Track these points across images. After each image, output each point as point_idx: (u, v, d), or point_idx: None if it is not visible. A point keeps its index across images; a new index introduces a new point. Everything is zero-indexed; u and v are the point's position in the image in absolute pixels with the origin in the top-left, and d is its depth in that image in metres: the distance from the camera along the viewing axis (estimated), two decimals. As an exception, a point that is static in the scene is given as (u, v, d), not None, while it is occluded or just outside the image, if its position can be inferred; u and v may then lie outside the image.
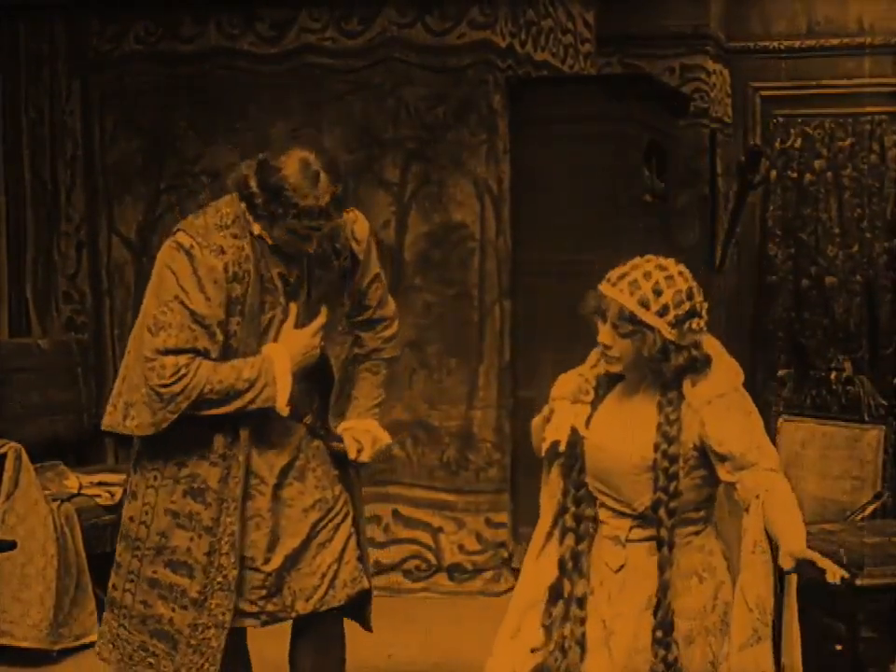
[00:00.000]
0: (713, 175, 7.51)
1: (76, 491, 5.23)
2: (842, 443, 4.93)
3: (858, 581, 3.00)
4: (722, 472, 2.96)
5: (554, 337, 5.51)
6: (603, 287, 2.97)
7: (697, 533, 3.05)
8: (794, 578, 2.90)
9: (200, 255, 3.26)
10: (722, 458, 2.94)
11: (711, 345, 3.03)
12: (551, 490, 3.18)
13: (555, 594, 3.09)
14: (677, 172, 6.92)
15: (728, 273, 7.80)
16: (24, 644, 4.90)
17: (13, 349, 5.81)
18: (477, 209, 5.84)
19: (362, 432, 3.58)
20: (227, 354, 3.34)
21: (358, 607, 3.62)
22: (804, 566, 2.83)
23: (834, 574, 2.79)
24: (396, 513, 5.91)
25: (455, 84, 5.82)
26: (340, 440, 3.56)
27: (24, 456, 4.97)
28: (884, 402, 6.21)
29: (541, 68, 6.25)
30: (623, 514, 3.05)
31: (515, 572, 5.93)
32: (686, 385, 2.98)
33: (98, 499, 5.26)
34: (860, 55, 7.70)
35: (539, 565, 3.16)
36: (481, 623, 5.36)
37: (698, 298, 3.00)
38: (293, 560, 3.46)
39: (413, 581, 5.90)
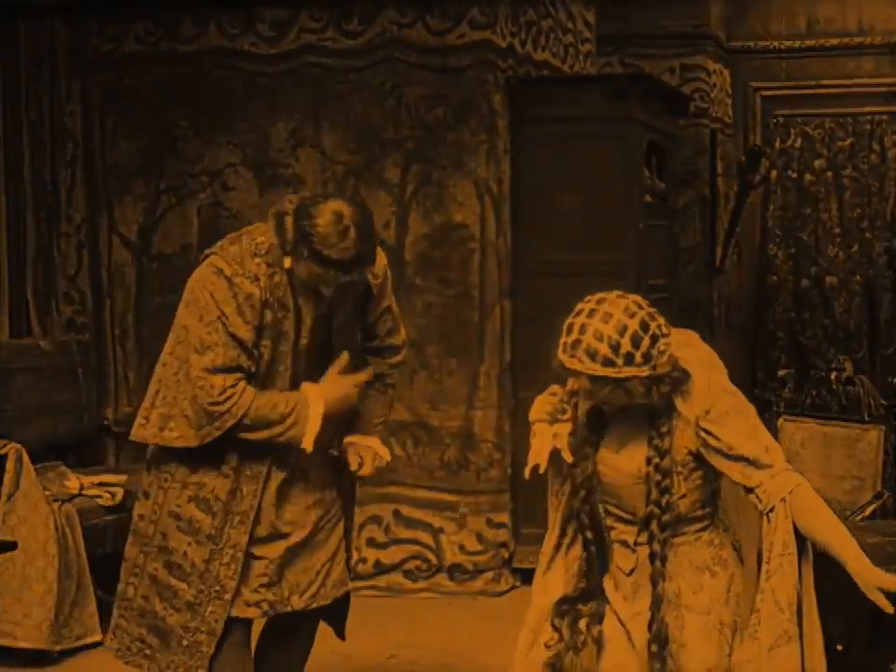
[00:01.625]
0: (713, 175, 7.52)
1: (76, 492, 5.23)
2: (842, 443, 4.94)
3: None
4: (736, 475, 2.94)
5: (554, 337, 5.50)
6: (564, 360, 2.89)
7: (705, 528, 3.06)
8: (811, 580, 2.91)
9: (239, 282, 3.37)
10: (735, 459, 2.92)
11: (683, 343, 2.97)
12: (557, 502, 3.18)
13: (566, 598, 3.08)
14: (677, 172, 6.92)
15: (728, 273, 7.81)
16: (25, 644, 4.89)
17: (14, 350, 5.81)
18: (477, 209, 5.84)
19: (364, 448, 3.67)
20: (254, 379, 3.43)
21: (337, 613, 3.73)
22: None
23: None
24: (397, 514, 5.91)
25: (456, 84, 5.82)
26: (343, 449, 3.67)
27: (25, 457, 4.97)
28: (884, 402, 6.21)
29: (542, 68, 6.24)
30: (629, 521, 3.06)
31: (516, 572, 5.94)
32: (677, 401, 2.95)
33: (99, 500, 5.26)
34: (859, 55, 7.71)
35: (549, 578, 3.16)
36: (481, 623, 5.39)
37: (652, 322, 2.90)
38: (293, 553, 3.53)
39: (413, 582, 5.90)
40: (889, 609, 2.83)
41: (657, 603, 2.96)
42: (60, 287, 6.25)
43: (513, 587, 5.90)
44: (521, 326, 5.94)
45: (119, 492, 5.30)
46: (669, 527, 2.97)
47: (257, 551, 3.49)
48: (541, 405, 3.09)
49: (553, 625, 3.06)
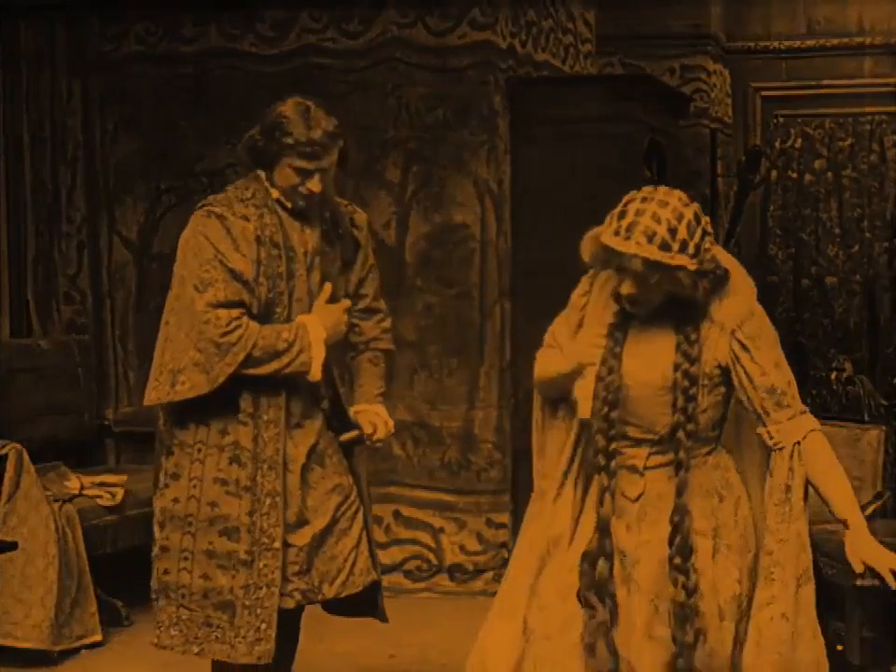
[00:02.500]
0: (713, 175, 7.51)
1: (77, 492, 5.23)
2: (842, 443, 4.93)
3: (858, 582, 2.99)
4: (755, 402, 2.94)
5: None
6: (616, 244, 2.87)
7: (710, 452, 3.05)
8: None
9: (231, 219, 3.44)
10: (759, 386, 2.94)
11: (721, 256, 3.00)
12: (559, 435, 3.16)
13: (587, 555, 3.03)
14: (677, 172, 6.91)
15: (728, 273, 7.80)
16: (26, 645, 4.89)
17: (14, 350, 5.81)
18: (477, 209, 5.85)
19: (373, 415, 3.68)
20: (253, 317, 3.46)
21: (371, 601, 3.70)
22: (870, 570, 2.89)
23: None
24: (397, 514, 5.91)
25: (456, 84, 5.82)
26: (354, 427, 3.65)
27: (25, 457, 4.97)
28: (884, 402, 6.21)
29: (542, 68, 6.24)
30: (641, 442, 3.03)
31: (516, 572, 5.93)
32: (713, 304, 2.96)
33: (99, 500, 5.26)
34: (859, 55, 7.71)
35: (558, 507, 3.12)
36: (482, 623, 5.38)
37: (702, 217, 2.93)
38: (319, 541, 3.53)
39: (414, 582, 5.90)
40: (858, 568, 2.88)
41: (681, 514, 2.94)
42: (60, 288, 6.25)
43: (513, 587, 5.89)
44: (521, 326, 5.93)
45: (120, 492, 5.30)
46: (695, 436, 2.97)
47: (287, 538, 3.48)
48: (590, 348, 3.04)
49: (582, 599, 3.00)
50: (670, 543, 2.94)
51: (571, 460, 3.14)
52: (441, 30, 5.84)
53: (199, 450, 3.49)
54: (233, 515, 3.46)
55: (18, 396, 5.61)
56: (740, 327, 2.95)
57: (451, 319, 5.88)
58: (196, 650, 3.51)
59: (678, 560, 2.93)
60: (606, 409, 2.98)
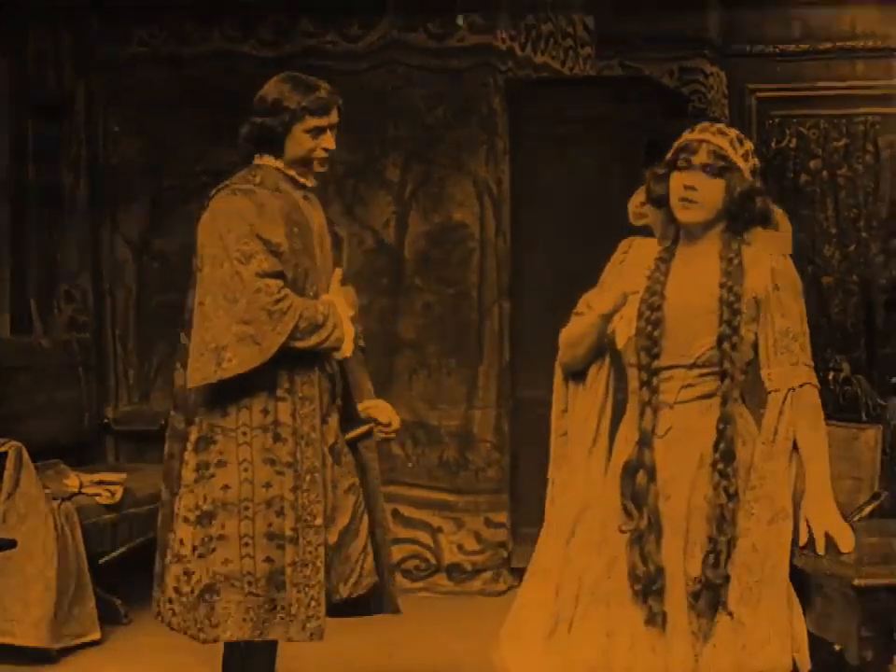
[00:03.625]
0: (711, 176, 7.52)
1: (76, 490, 5.23)
2: (839, 443, 4.93)
3: (857, 582, 3.02)
4: (769, 346, 3.09)
5: (554, 337, 5.51)
6: (690, 135, 3.11)
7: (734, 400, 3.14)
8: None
9: (259, 193, 3.45)
10: (779, 329, 3.08)
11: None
12: (586, 401, 3.24)
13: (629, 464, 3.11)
14: (675, 172, 6.93)
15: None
16: (24, 643, 4.89)
17: (15, 348, 5.82)
18: (477, 209, 5.86)
19: (385, 408, 3.73)
20: None
21: (371, 600, 3.70)
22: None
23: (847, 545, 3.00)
24: (395, 513, 5.91)
25: (456, 85, 5.84)
26: (363, 422, 3.68)
27: (25, 455, 4.97)
28: (882, 402, 6.21)
29: (541, 71, 6.26)
30: (675, 369, 3.09)
31: (514, 572, 5.94)
32: (757, 233, 3.11)
33: (98, 498, 5.26)
34: (852, 58, 7.75)
35: (594, 458, 3.21)
36: (480, 623, 5.39)
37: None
38: (342, 539, 3.54)
39: (412, 581, 5.91)
40: (801, 541, 3.03)
41: (726, 421, 3.05)
42: (61, 286, 6.26)
43: (512, 587, 5.90)
44: (520, 326, 5.95)
45: (119, 490, 5.31)
46: (737, 349, 3.07)
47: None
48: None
49: (625, 508, 3.09)
50: (715, 448, 3.04)
51: (598, 425, 3.23)
52: (440, 34, 5.85)
53: (244, 433, 3.46)
54: (282, 494, 3.44)
55: (18, 394, 5.61)
56: (777, 266, 3.11)
57: (450, 319, 5.89)
58: (263, 634, 3.46)
59: (721, 465, 3.04)
60: (649, 328, 3.09)
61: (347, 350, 3.51)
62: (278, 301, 3.37)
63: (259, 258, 3.39)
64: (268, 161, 3.56)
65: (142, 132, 6.15)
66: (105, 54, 6.17)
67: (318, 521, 3.45)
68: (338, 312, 3.49)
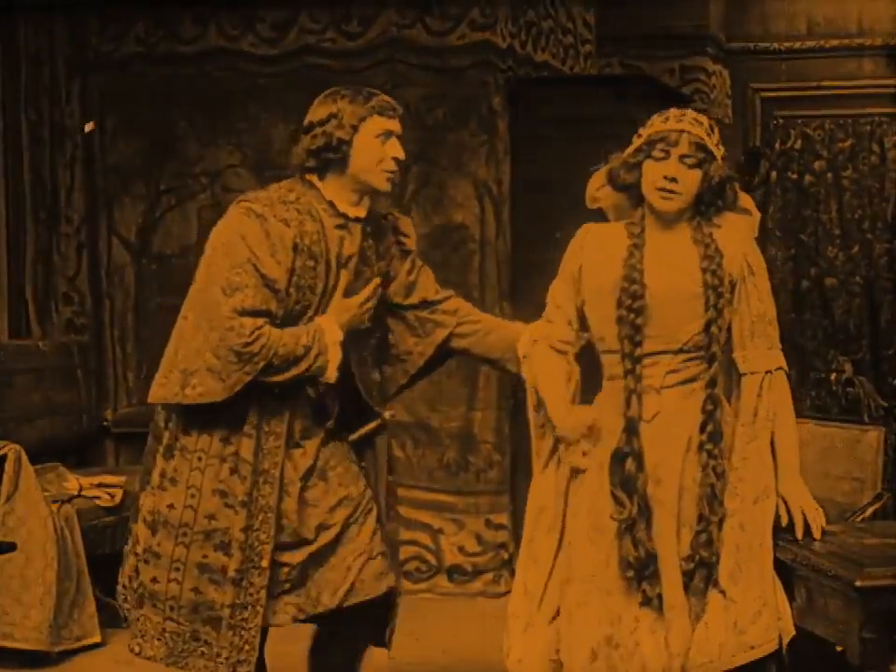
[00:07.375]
0: (713, 176, 7.50)
1: (75, 492, 5.23)
2: (842, 445, 4.92)
3: (858, 582, 3.01)
4: (744, 327, 3.16)
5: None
6: (670, 125, 3.16)
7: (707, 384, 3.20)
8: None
9: (272, 221, 3.35)
10: (753, 313, 3.15)
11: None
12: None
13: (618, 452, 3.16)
14: (677, 173, 6.91)
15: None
16: (24, 646, 4.89)
17: (13, 350, 5.81)
18: (477, 210, 5.85)
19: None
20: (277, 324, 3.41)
21: (380, 616, 3.63)
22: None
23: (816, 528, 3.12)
24: (396, 514, 5.90)
25: (456, 85, 5.83)
26: (376, 416, 3.62)
27: (24, 458, 4.97)
28: (884, 404, 6.20)
29: (542, 69, 6.25)
30: (661, 355, 3.15)
31: (515, 574, 5.93)
32: (726, 217, 3.20)
33: (98, 501, 5.26)
34: (859, 56, 7.72)
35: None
36: (481, 623, 5.38)
37: None
38: (317, 557, 3.44)
39: (413, 583, 5.89)
40: (783, 521, 3.15)
41: (714, 403, 3.13)
42: (59, 288, 6.25)
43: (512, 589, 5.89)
44: (520, 327, 5.94)
45: (119, 493, 5.30)
46: (722, 332, 3.15)
47: (279, 557, 3.40)
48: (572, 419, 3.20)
49: (615, 497, 3.13)
50: (702, 430, 3.11)
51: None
52: (440, 31, 5.84)
53: (199, 458, 3.41)
54: (229, 529, 3.37)
55: (17, 396, 5.62)
56: (749, 251, 3.19)
57: (450, 320, 5.87)
58: (180, 663, 3.42)
59: (709, 446, 3.10)
60: (632, 316, 3.14)
61: (331, 376, 3.42)
62: (247, 344, 3.29)
63: (246, 292, 3.30)
64: (312, 178, 3.48)
65: (139, 131, 6.15)
66: (102, 53, 6.16)
67: (264, 562, 3.36)
68: (325, 338, 3.40)
